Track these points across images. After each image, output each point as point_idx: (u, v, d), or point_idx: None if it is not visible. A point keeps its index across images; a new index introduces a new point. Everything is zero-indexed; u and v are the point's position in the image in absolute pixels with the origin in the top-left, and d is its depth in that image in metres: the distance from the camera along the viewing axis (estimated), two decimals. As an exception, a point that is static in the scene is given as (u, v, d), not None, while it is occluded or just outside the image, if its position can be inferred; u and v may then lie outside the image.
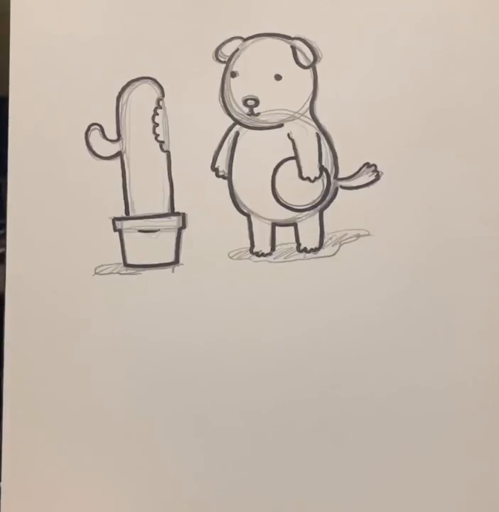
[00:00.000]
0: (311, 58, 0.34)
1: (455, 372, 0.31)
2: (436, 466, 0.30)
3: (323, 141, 0.33)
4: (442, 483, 0.30)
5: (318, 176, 0.33)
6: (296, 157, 0.33)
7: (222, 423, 0.32)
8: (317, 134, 0.33)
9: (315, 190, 0.33)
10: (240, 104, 0.34)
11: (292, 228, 0.33)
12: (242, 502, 0.31)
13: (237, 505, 0.31)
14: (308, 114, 0.33)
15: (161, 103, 0.35)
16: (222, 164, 0.34)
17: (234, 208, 0.33)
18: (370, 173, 0.33)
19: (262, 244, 0.33)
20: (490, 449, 0.30)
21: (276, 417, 0.32)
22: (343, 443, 0.31)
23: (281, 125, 0.34)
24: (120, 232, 0.34)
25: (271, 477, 0.31)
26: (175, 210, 0.34)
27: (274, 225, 0.33)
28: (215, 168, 0.34)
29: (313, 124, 0.33)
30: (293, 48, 0.34)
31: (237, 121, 0.34)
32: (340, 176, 0.33)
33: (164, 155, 0.34)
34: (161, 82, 0.35)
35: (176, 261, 0.33)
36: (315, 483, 0.31)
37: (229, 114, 0.34)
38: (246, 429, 0.32)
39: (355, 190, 0.33)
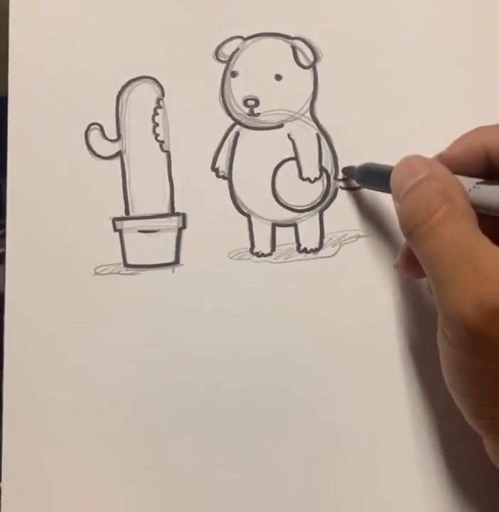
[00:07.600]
0: (312, 58, 0.34)
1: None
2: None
3: (323, 141, 0.33)
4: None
5: (318, 176, 0.33)
6: (296, 158, 0.33)
7: (224, 423, 0.32)
8: (317, 135, 0.33)
9: (316, 190, 0.33)
10: (240, 104, 0.34)
11: (292, 229, 0.33)
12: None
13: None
14: (308, 114, 0.33)
15: (161, 103, 0.35)
16: (222, 164, 0.34)
17: (235, 209, 0.33)
18: (370, 173, 0.33)
19: (262, 245, 0.33)
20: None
21: (278, 415, 0.32)
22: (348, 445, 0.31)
23: (281, 125, 0.34)
24: (120, 232, 0.34)
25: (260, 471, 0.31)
26: (176, 211, 0.34)
27: (274, 225, 0.33)
28: (215, 169, 0.34)
29: (314, 124, 0.33)
30: (294, 48, 0.34)
31: (237, 122, 0.34)
32: (340, 176, 0.33)
33: (164, 155, 0.34)
34: (161, 82, 0.35)
35: (176, 261, 0.33)
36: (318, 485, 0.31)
37: (230, 114, 0.34)
38: (246, 430, 0.32)
39: (355, 191, 0.33)
